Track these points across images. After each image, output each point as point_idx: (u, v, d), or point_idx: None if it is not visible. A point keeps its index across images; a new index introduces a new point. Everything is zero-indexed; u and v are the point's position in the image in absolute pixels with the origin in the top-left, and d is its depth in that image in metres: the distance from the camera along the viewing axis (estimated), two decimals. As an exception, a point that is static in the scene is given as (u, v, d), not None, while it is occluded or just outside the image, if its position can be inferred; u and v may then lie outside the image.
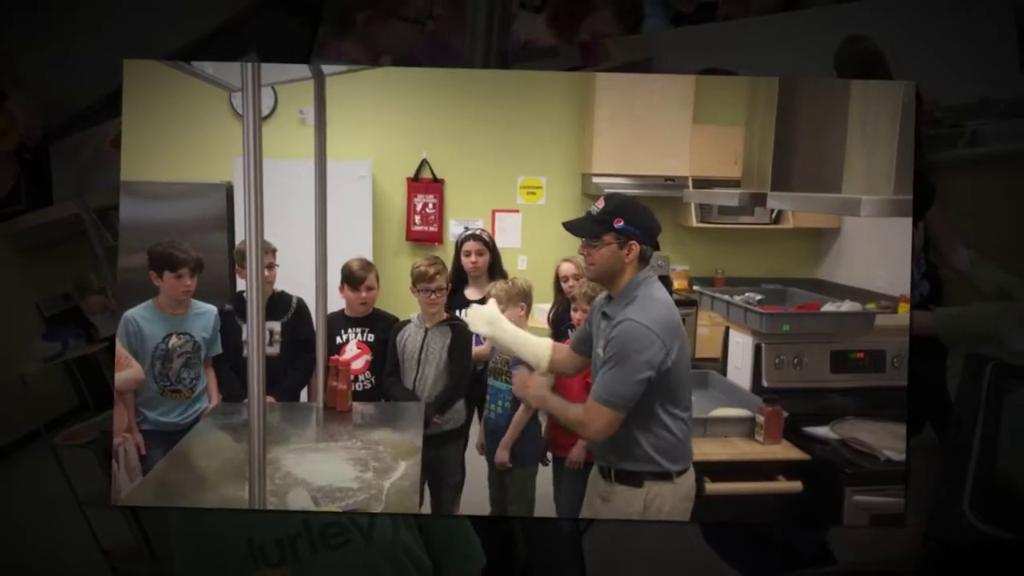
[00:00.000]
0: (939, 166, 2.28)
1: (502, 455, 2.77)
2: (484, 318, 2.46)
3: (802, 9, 2.35)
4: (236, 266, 2.98)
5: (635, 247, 2.14)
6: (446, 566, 2.00)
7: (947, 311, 2.28)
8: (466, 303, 3.06)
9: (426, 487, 2.67)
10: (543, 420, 2.79)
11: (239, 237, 3.71)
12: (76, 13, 2.33)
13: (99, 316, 2.43)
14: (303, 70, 2.51)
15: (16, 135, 2.32)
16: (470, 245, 3.14)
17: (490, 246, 3.16)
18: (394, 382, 2.91)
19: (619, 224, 2.14)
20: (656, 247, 2.20)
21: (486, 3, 2.26)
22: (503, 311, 2.80)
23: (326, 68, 2.50)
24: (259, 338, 1.84)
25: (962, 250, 2.27)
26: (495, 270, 3.15)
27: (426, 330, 2.90)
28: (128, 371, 2.62)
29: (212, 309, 2.88)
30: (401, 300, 3.34)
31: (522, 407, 2.75)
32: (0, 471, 2.35)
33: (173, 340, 2.78)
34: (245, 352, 2.86)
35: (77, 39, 2.34)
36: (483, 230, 3.25)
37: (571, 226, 2.23)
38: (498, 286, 2.85)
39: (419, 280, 2.88)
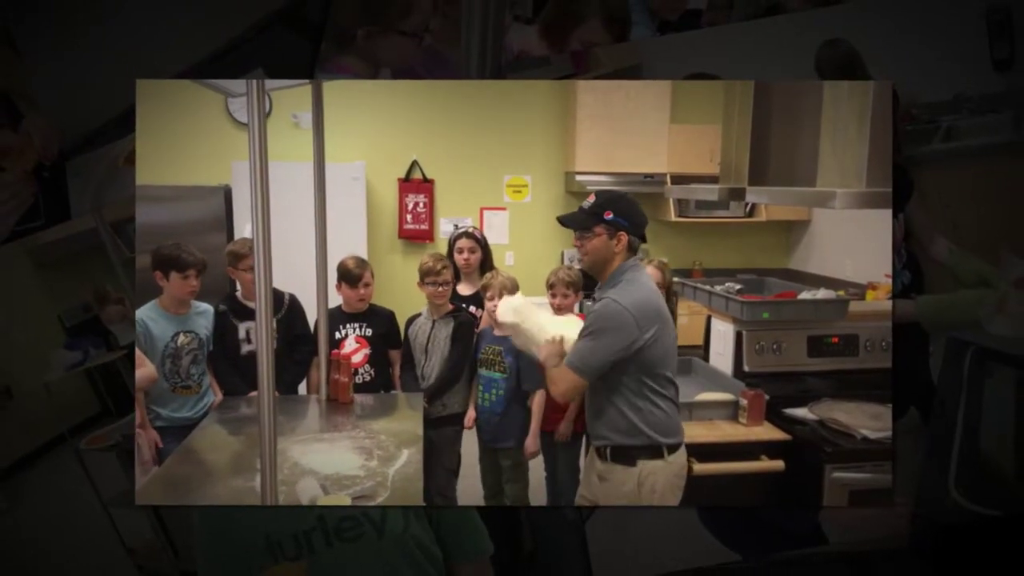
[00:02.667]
0: (917, 160, 2.29)
1: (532, 446, 2.84)
2: (512, 307, 2.45)
3: (782, 14, 2.36)
4: (228, 266, 2.97)
5: (624, 237, 2.20)
6: (455, 556, 2.00)
7: (928, 299, 2.29)
8: (458, 298, 3.10)
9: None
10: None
11: (238, 237, 3.72)
12: (89, 37, 2.34)
13: (117, 325, 2.44)
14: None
15: (34, 154, 2.33)
16: (463, 243, 3.15)
17: (482, 244, 3.18)
18: (408, 374, 2.96)
19: (609, 216, 2.20)
20: (643, 239, 2.26)
21: (480, 16, 2.26)
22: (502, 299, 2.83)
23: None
24: (267, 333, 1.84)
25: (941, 240, 2.28)
26: (486, 267, 3.17)
27: (433, 322, 2.93)
28: (143, 370, 2.63)
29: (210, 308, 2.91)
30: (396, 295, 3.38)
31: (538, 396, 2.80)
32: (28, 475, 2.35)
33: (181, 338, 2.80)
34: (243, 349, 2.92)
35: (90, 61, 2.34)
36: (475, 228, 3.27)
37: (565, 220, 2.29)
38: (499, 278, 2.87)
39: (427, 275, 2.91)
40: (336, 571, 1.92)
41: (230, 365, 2.92)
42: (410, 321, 3.00)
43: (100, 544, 2.33)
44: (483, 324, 2.98)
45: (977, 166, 2.28)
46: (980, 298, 2.20)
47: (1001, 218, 2.23)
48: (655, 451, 2.19)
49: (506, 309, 2.46)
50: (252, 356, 2.77)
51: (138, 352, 2.64)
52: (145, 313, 2.75)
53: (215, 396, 2.89)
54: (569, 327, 2.38)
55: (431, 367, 2.90)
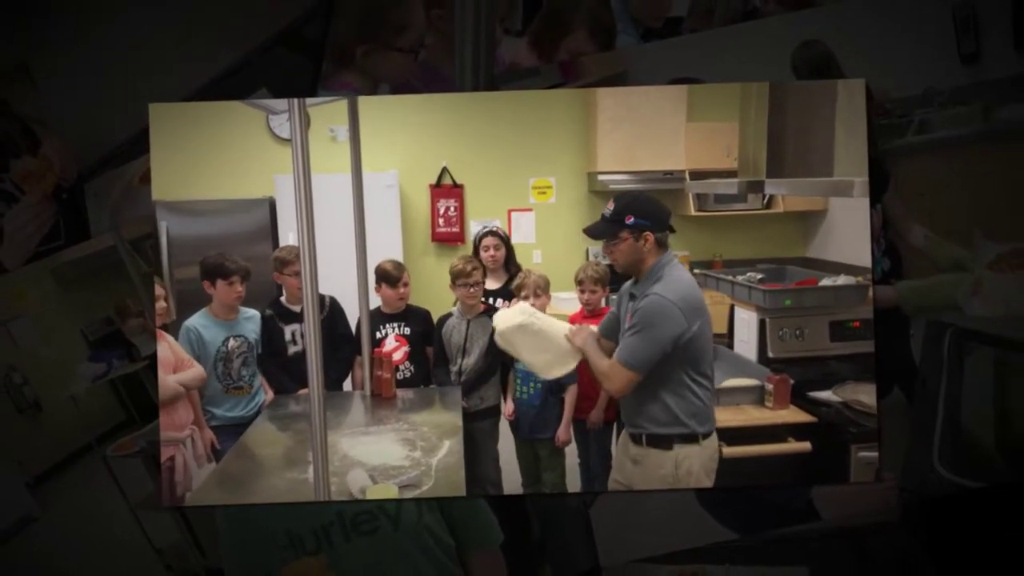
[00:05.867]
0: (892, 153, 2.30)
1: (564, 435, 2.86)
2: (518, 309, 2.50)
3: (759, 19, 2.38)
4: (274, 271, 3.05)
5: (650, 236, 2.22)
6: (467, 544, 2.02)
7: (907, 284, 2.30)
8: (486, 293, 3.14)
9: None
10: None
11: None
12: (102, 63, 2.35)
13: (139, 337, 2.46)
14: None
15: (53, 177, 2.34)
16: (488, 240, 3.23)
17: (505, 241, 3.26)
18: (441, 370, 3.00)
19: (630, 220, 2.21)
20: (671, 230, 2.28)
21: (472, 31, 2.28)
22: (539, 297, 2.87)
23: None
24: (316, 334, 1.92)
25: (918, 228, 2.29)
26: (510, 262, 3.25)
27: (468, 321, 2.97)
28: (192, 370, 2.74)
29: (256, 313, 3.00)
30: (431, 295, 3.43)
31: (572, 388, 2.82)
32: (57, 483, 2.37)
33: (231, 343, 2.91)
34: (290, 350, 2.98)
35: (103, 86, 2.36)
36: (498, 227, 3.35)
37: (589, 231, 2.30)
38: (532, 276, 2.90)
39: (458, 277, 2.97)
40: (354, 563, 1.95)
41: (278, 366, 3.00)
42: (441, 321, 3.04)
43: (129, 546, 2.34)
44: None
45: (949, 156, 2.29)
46: (957, 282, 2.22)
47: (974, 205, 2.25)
48: (691, 437, 2.21)
49: (513, 313, 2.49)
50: (299, 356, 2.94)
51: (185, 354, 2.75)
52: (197, 320, 2.89)
53: (266, 395, 2.98)
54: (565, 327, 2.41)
55: (468, 364, 2.94)
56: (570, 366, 2.50)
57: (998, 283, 2.18)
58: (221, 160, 4.47)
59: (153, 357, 2.49)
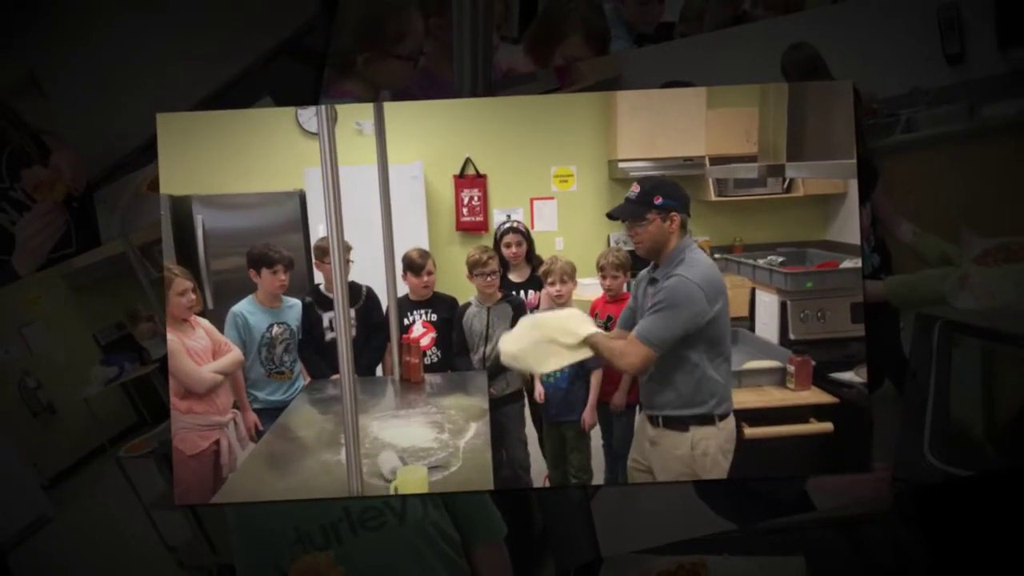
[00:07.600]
0: (880, 152, 2.31)
1: (589, 418, 2.86)
2: (527, 324, 2.44)
3: (749, 23, 2.39)
4: (315, 260, 3.10)
5: (676, 218, 2.23)
6: (471, 538, 2.03)
7: (896, 279, 2.31)
8: (512, 286, 3.18)
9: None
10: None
11: (314, 238, 3.81)
12: (110, 74, 2.36)
13: (149, 341, 2.47)
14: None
15: (63, 186, 2.35)
16: (509, 238, 3.25)
17: (527, 236, 3.27)
18: (462, 359, 3.03)
19: (659, 201, 2.22)
20: (689, 214, 2.28)
21: (470, 38, 2.29)
22: (565, 283, 2.87)
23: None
24: (345, 321, 1.96)
25: (906, 224, 2.30)
26: (531, 256, 3.26)
27: (488, 309, 2.99)
28: (230, 355, 2.78)
29: (298, 302, 3.06)
30: (457, 283, 3.46)
31: (597, 372, 2.83)
32: (72, 483, 2.38)
33: (275, 329, 2.99)
34: (327, 337, 3.03)
35: (111, 96, 2.37)
36: (519, 222, 3.37)
37: (616, 213, 2.30)
38: (559, 263, 2.91)
39: (475, 267, 3.00)
40: (362, 558, 1.96)
41: (316, 351, 3.05)
42: (461, 311, 3.07)
43: (143, 544, 2.35)
44: (544, 306, 3.03)
45: (936, 154, 2.30)
46: (944, 276, 2.23)
47: (960, 200, 2.26)
48: (707, 419, 2.22)
49: (508, 347, 2.45)
50: (336, 342, 2.91)
51: (223, 339, 2.80)
52: (244, 307, 2.97)
53: (305, 380, 3.04)
54: (573, 318, 2.39)
55: (492, 350, 2.94)
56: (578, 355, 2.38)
57: (985, 277, 2.19)
58: (252, 155, 4.48)
59: (163, 360, 2.50)
